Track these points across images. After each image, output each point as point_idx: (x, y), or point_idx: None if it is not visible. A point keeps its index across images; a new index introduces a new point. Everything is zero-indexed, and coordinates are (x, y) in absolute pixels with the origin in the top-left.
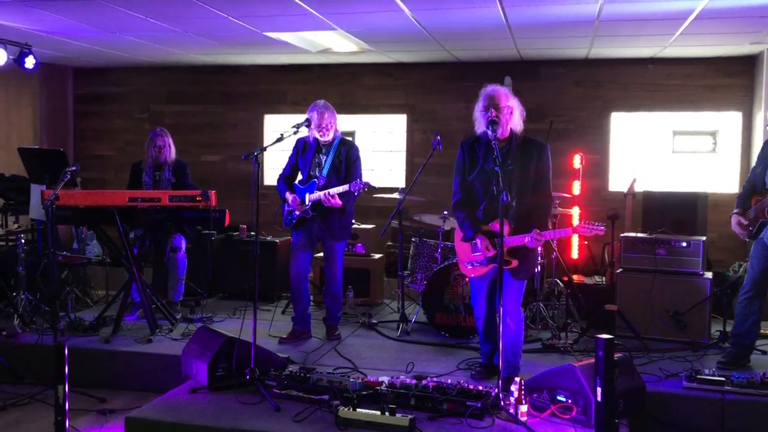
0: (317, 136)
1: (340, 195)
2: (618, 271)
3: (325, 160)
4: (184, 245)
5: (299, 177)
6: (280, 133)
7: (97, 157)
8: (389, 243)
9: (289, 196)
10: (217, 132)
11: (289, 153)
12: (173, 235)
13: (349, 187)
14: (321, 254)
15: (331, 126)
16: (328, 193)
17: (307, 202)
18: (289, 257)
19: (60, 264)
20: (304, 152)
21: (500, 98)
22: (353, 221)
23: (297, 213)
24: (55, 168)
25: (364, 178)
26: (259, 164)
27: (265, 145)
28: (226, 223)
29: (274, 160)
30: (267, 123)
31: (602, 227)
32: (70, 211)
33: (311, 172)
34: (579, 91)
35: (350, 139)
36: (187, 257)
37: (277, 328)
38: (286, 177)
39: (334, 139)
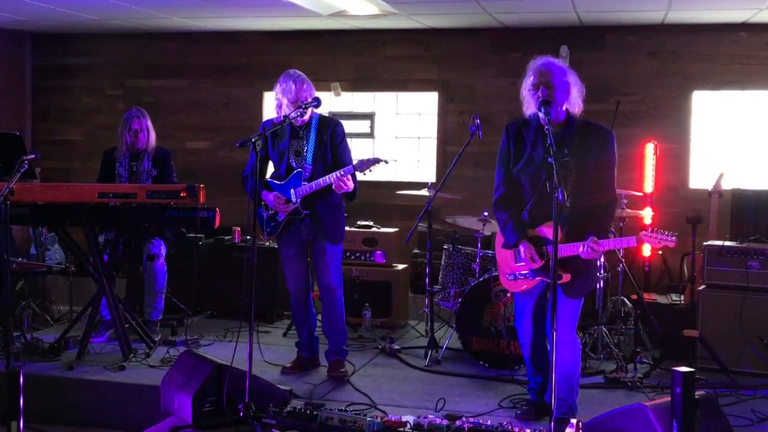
0: (293, 115)
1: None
2: (700, 288)
3: (307, 145)
4: (164, 252)
5: (271, 171)
6: (284, 116)
7: (61, 142)
8: (416, 251)
9: (269, 197)
10: (206, 113)
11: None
12: (152, 239)
13: (354, 167)
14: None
15: (308, 102)
16: (341, 173)
17: (294, 199)
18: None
19: (14, 273)
20: (276, 139)
21: (554, 73)
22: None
23: (281, 216)
24: (9, 156)
25: (393, 170)
26: (257, 153)
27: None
28: (217, 224)
29: None
30: (267, 102)
31: (673, 237)
32: (27, 209)
33: (291, 163)
34: (653, 65)
35: (329, 115)
36: (169, 266)
37: (277, 354)
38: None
39: (311, 117)
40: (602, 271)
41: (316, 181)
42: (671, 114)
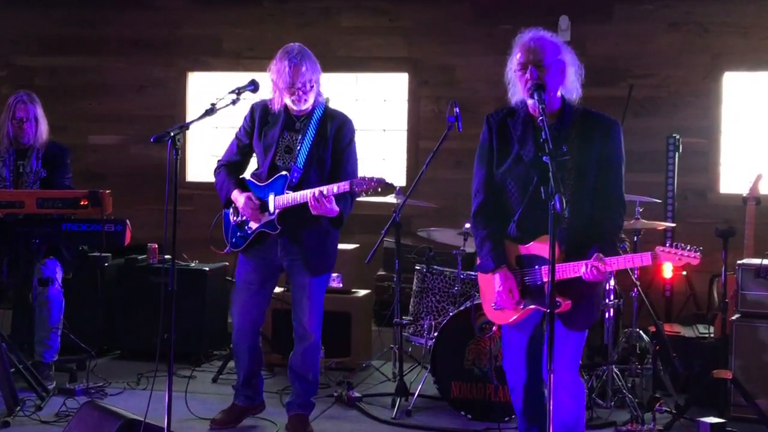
0: (289, 103)
1: (334, 196)
2: (733, 317)
3: (301, 142)
4: (60, 276)
5: (254, 167)
6: (211, 103)
7: None
8: (380, 273)
9: (239, 197)
10: (114, 99)
11: (235, 129)
12: (44, 259)
13: (351, 185)
14: (276, 290)
15: (312, 87)
16: (321, 192)
17: (272, 209)
18: (230, 298)
19: None
20: (266, 126)
21: (546, 50)
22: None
23: (253, 226)
24: None
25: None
26: (178, 150)
27: (188, 120)
28: (127, 240)
29: (202, 145)
30: (192, 85)
31: (697, 253)
32: None
33: (277, 161)
34: (674, 39)
35: (339, 109)
36: (66, 294)
37: (206, 405)
38: (232, 165)
39: (314, 108)
40: (612, 298)
41: (302, 192)
42: (697, 101)
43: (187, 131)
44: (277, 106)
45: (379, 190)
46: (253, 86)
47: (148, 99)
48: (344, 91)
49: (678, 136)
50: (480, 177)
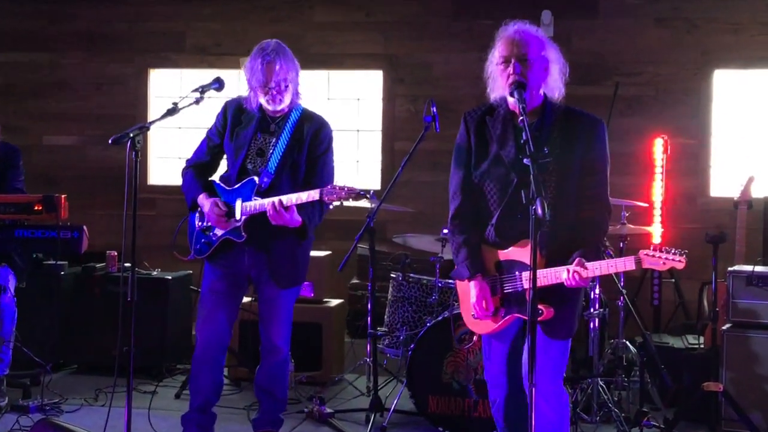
0: (263, 103)
1: (301, 207)
2: (724, 327)
3: (275, 145)
4: (12, 284)
5: (223, 170)
6: (173, 102)
7: None
8: (354, 281)
9: (205, 202)
10: (70, 97)
11: (199, 129)
12: None
13: (320, 194)
14: (243, 300)
15: (287, 86)
16: (280, 201)
17: (238, 216)
18: (196, 309)
19: None
20: (239, 126)
21: (530, 44)
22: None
23: (218, 233)
24: None
25: (339, 180)
26: (138, 152)
27: (149, 120)
28: (84, 247)
29: (164, 146)
30: (153, 83)
31: (682, 257)
32: None
33: (247, 164)
34: (662, 36)
35: (317, 112)
36: (19, 304)
37: (168, 423)
38: (201, 166)
39: (291, 109)
40: (597, 307)
41: (271, 200)
42: (686, 100)
43: (147, 132)
44: (252, 105)
45: (350, 200)
46: (218, 84)
47: (106, 97)
48: (316, 89)
49: (666, 137)
50: (457, 179)
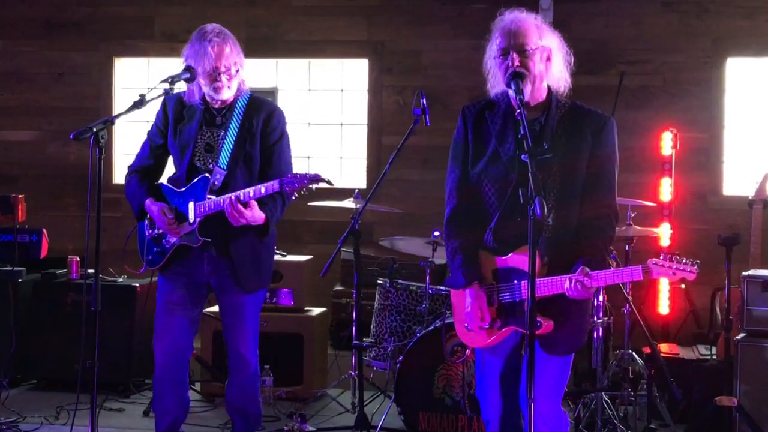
0: (208, 92)
1: (261, 203)
2: (738, 337)
3: (224, 138)
4: None
5: (170, 171)
6: (140, 94)
7: None
8: (337, 288)
9: (152, 207)
10: (28, 89)
11: (150, 126)
12: None
13: (281, 185)
14: (216, 308)
15: (233, 72)
16: (238, 198)
17: (192, 219)
18: (154, 321)
19: None
20: (182, 123)
21: (528, 33)
22: (276, 251)
23: (171, 240)
24: None
25: (306, 168)
26: (102, 148)
27: (114, 113)
28: (44, 252)
29: (131, 142)
30: (119, 72)
31: (693, 267)
32: None
33: (196, 162)
34: (670, 21)
35: (268, 98)
36: None
37: None
38: (145, 171)
39: (237, 98)
40: (601, 315)
41: (226, 196)
42: (696, 91)
43: (112, 126)
44: (194, 98)
45: (314, 188)
46: (189, 74)
47: (67, 89)
48: (296, 79)
49: (675, 131)
50: (453, 178)
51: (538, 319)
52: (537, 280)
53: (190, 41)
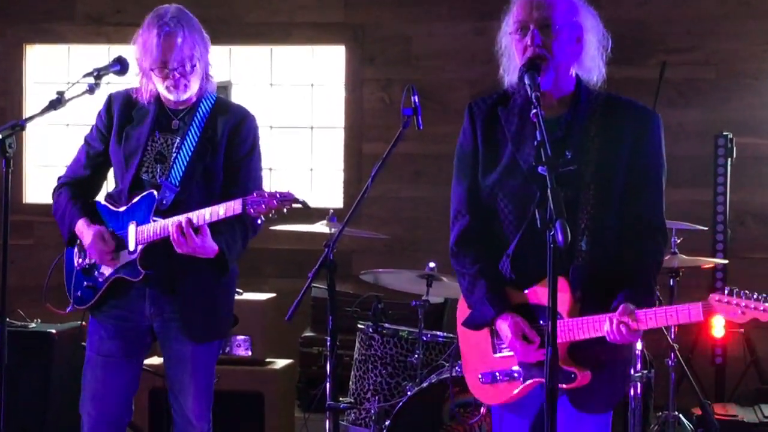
0: (162, 91)
1: (216, 230)
2: None
3: (180, 147)
4: None
5: (111, 184)
6: (58, 91)
7: None
8: (307, 334)
9: (85, 231)
10: None
11: (88, 129)
12: None
13: (243, 205)
14: (154, 360)
15: (194, 67)
16: (189, 221)
17: (132, 246)
18: (81, 375)
19: None
20: (129, 125)
21: (555, 6)
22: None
23: (105, 272)
24: None
25: (269, 186)
26: (10, 159)
27: (25, 116)
28: None
29: (47, 151)
30: (31, 63)
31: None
32: None
33: (142, 174)
34: (725, 0)
35: (235, 102)
36: None
37: None
38: (79, 184)
39: (200, 99)
40: (639, 367)
41: (176, 219)
42: (756, 85)
43: (23, 131)
44: (145, 96)
45: (285, 210)
46: (120, 66)
47: None
48: (255, 71)
49: (730, 135)
50: (460, 193)
51: (572, 369)
52: (569, 320)
53: (142, 26)
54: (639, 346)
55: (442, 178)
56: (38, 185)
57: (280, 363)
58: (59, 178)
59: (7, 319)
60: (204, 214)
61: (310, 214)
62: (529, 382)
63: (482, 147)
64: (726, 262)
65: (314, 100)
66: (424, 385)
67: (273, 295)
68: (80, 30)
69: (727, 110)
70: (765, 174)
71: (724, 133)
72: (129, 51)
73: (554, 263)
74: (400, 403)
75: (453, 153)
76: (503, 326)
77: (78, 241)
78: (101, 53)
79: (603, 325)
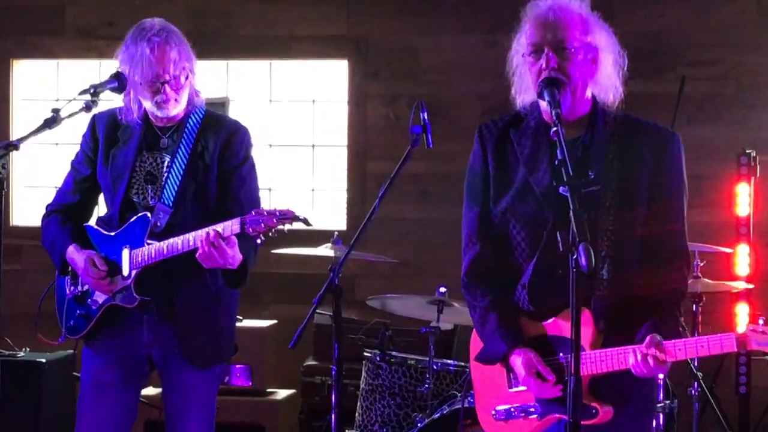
0: (150, 107)
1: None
2: None
3: (170, 166)
4: None
5: (102, 208)
6: (52, 109)
7: None
8: (310, 363)
9: (76, 256)
10: None
11: (76, 150)
12: None
13: (242, 224)
14: (150, 390)
15: (186, 80)
16: (217, 233)
17: (126, 271)
18: (74, 406)
19: None
20: (115, 147)
21: (570, 26)
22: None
23: (99, 299)
24: None
25: (267, 203)
26: (1, 181)
27: (11, 134)
28: None
29: (38, 173)
30: (19, 80)
31: None
32: None
33: (132, 196)
34: (746, 9)
35: (230, 116)
36: None
37: None
38: (68, 210)
39: (188, 113)
40: (661, 398)
41: (171, 242)
42: None
43: (14, 152)
44: (131, 116)
45: (286, 230)
46: (117, 82)
47: None
48: (254, 87)
49: (754, 153)
50: (471, 219)
51: (593, 404)
52: (592, 353)
53: (125, 41)
54: (661, 375)
55: (450, 198)
56: (26, 207)
57: (282, 393)
58: (47, 206)
59: None
60: (225, 230)
61: (312, 237)
62: (546, 418)
63: (493, 171)
64: (752, 287)
65: (316, 116)
66: (435, 416)
67: (273, 321)
68: (70, 44)
69: (749, 127)
70: None
71: (747, 151)
72: (114, 67)
73: (576, 286)
74: None
75: (462, 172)
76: (517, 362)
77: (71, 269)
78: (92, 68)
79: (628, 358)
